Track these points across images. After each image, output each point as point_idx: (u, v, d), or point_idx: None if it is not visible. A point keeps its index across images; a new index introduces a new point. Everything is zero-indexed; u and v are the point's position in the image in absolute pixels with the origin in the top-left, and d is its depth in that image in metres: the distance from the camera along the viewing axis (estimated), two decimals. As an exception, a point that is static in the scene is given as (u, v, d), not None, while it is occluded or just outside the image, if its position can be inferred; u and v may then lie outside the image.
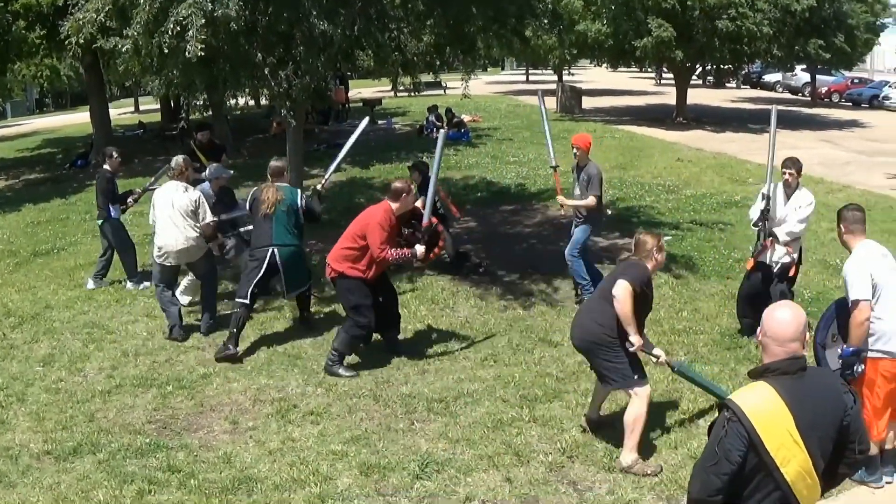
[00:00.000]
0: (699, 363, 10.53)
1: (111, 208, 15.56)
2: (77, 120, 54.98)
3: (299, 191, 13.26)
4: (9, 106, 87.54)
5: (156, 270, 13.28)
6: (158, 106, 51.50)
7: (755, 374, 4.99)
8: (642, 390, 8.75)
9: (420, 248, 11.62)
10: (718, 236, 18.44)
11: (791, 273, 12.22)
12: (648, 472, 8.58)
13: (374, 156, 30.67)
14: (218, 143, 18.93)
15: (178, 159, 13.54)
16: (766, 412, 4.74)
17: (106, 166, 15.94)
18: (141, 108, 66.57)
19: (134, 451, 9.32)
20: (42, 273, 17.25)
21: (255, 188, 13.18)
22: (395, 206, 11.47)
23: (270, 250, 12.34)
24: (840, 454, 5.01)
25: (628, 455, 8.68)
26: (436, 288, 14.59)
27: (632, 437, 8.68)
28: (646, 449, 8.95)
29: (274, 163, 13.13)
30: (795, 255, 12.20)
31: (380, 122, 44.28)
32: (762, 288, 12.11)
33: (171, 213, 12.83)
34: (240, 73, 15.00)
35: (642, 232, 9.34)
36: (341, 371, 11.34)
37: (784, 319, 4.91)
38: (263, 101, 25.69)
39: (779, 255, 12.09)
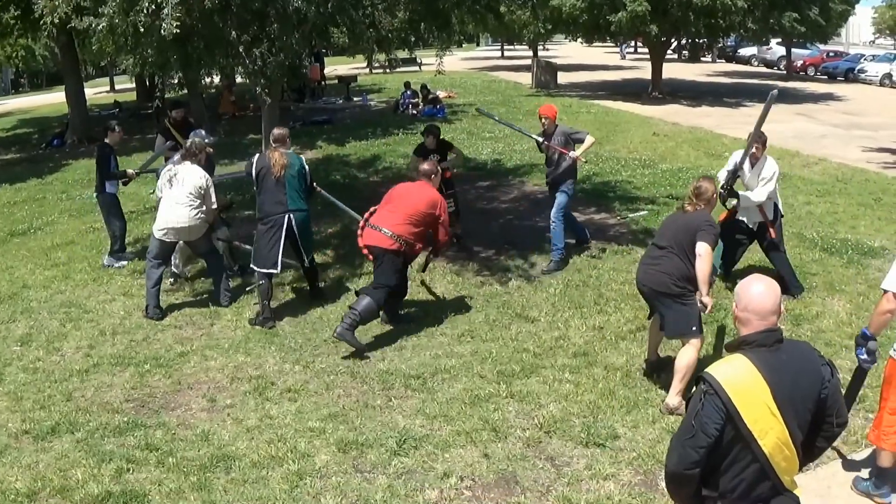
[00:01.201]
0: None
1: (106, 183, 15.63)
2: (53, 100, 54.86)
3: (303, 157, 13.26)
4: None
5: (153, 245, 13.18)
6: (134, 85, 51.48)
7: (732, 347, 5.02)
8: (697, 341, 9.42)
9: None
10: (694, 210, 18.45)
11: (772, 235, 12.79)
12: None
13: (349, 133, 30.64)
14: (192, 122, 18.87)
15: (195, 140, 13.50)
16: (744, 384, 4.77)
17: (106, 140, 15.93)
18: (116, 87, 66.36)
19: (112, 429, 9.31)
20: (19, 253, 17.20)
21: (257, 156, 13.10)
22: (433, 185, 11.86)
23: (287, 216, 12.46)
24: (818, 427, 5.04)
25: (674, 398, 9.30)
26: (413, 264, 14.61)
27: (681, 382, 9.28)
28: (623, 425, 9.04)
29: (277, 130, 13.14)
30: (770, 215, 12.82)
31: (355, 98, 44.32)
32: (729, 240, 13.08)
33: (180, 192, 12.82)
34: (214, 51, 14.98)
35: (702, 178, 10.03)
36: (355, 340, 11.21)
37: (762, 292, 4.94)
38: (238, 80, 25.60)
39: (753, 220, 12.95)
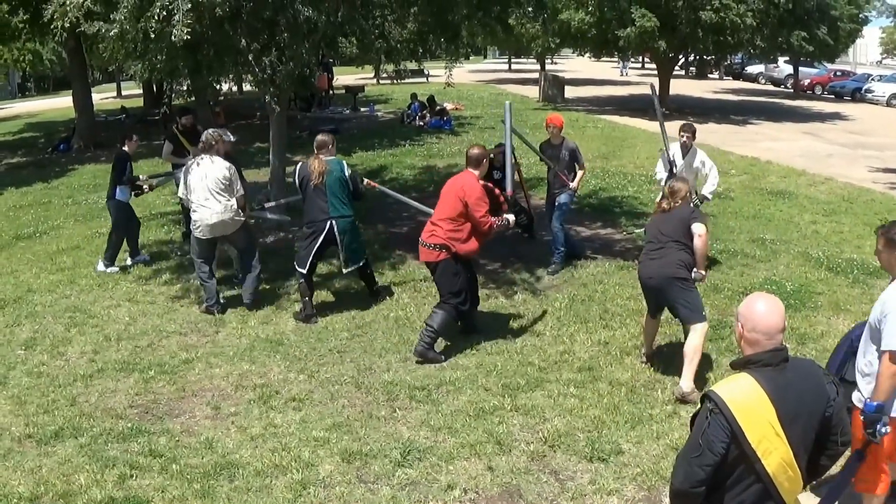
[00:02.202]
0: (680, 353, 10.56)
1: (117, 189, 15.60)
2: (59, 104, 54.84)
3: (345, 163, 13.33)
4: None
5: (194, 244, 13.38)
6: (141, 91, 51.45)
7: (737, 366, 5.00)
8: (702, 326, 10.11)
9: (511, 217, 12.12)
10: (700, 227, 18.47)
11: None
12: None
13: (356, 143, 30.70)
14: (200, 129, 18.86)
15: (209, 132, 13.61)
16: (748, 404, 4.74)
17: (124, 147, 15.91)
18: (123, 92, 66.36)
19: (115, 435, 9.31)
20: (24, 257, 17.20)
21: (300, 164, 13.26)
22: (476, 172, 11.59)
23: (329, 222, 12.63)
24: (822, 446, 5.02)
25: (687, 383, 9.85)
26: (418, 275, 14.59)
27: (690, 367, 9.90)
28: (627, 441, 9.02)
29: (320, 137, 13.26)
30: (694, 200, 13.72)
31: (362, 109, 44.33)
32: None
33: (205, 187, 12.92)
34: (224, 58, 15.02)
35: (675, 180, 11.34)
36: (433, 355, 11.32)
37: (768, 311, 4.90)
38: (247, 88, 25.63)
39: None
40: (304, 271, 12.78)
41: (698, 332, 10.05)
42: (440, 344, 11.71)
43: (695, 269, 10.28)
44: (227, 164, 13.17)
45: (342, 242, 12.79)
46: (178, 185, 14.02)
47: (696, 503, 4.90)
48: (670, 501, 5.18)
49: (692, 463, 4.81)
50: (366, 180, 14.68)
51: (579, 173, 15.36)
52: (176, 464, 8.64)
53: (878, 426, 6.49)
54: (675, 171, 14.64)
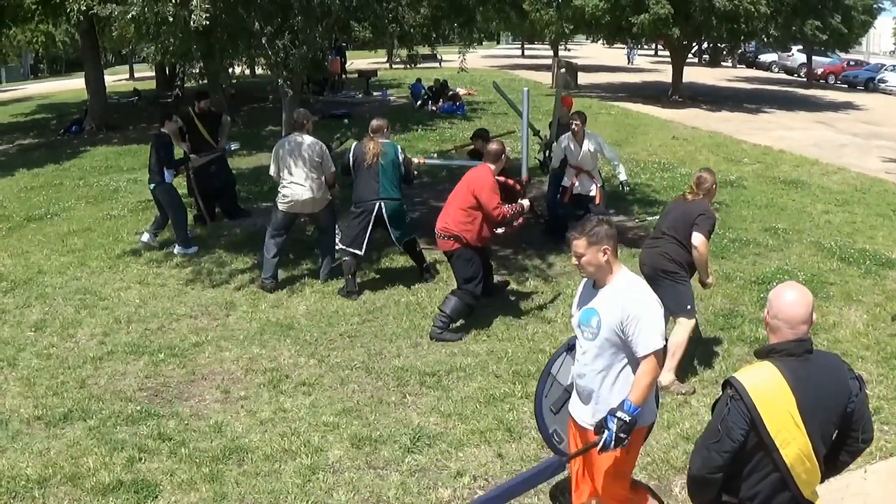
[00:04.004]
0: (692, 343, 10.53)
1: (165, 172, 15.43)
2: (72, 86, 54.81)
3: (399, 147, 13.62)
4: (3, 71, 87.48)
5: (277, 216, 13.62)
6: (153, 73, 51.41)
7: (761, 354, 4.98)
8: (688, 322, 10.04)
9: (526, 202, 12.25)
10: (712, 215, 18.44)
11: (598, 199, 15.67)
12: (683, 391, 9.90)
13: (368, 127, 30.59)
14: (215, 111, 18.81)
15: (298, 111, 13.95)
16: (769, 392, 4.72)
17: (164, 129, 15.69)
18: (136, 75, 66.31)
19: (125, 418, 9.30)
20: (35, 238, 17.17)
21: (355, 144, 13.55)
22: (493, 167, 11.80)
23: (378, 203, 12.89)
24: (842, 441, 5.00)
25: (667, 375, 9.71)
26: (429, 260, 14.58)
27: (672, 360, 9.79)
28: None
29: (375, 121, 13.51)
30: (599, 183, 15.80)
31: (375, 93, 44.33)
32: (575, 211, 15.44)
33: (299, 164, 13.28)
34: (237, 42, 14.98)
35: (703, 169, 10.82)
36: (448, 336, 11.62)
37: (794, 301, 4.88)
38: (259, 71, 25.56)
39: (587, 188, 15.74)
40: (361, 252, 13.10)
41: (682, 326, 10.07)
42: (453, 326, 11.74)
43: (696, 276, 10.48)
44: (318, 141, 13.55)
45: (390, 224, 13.07)
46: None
47: (713, 490, 4.90)
48: (688, 487, 5.17)
49: (711, 449, 4.80)
50: (416, 159, 14.89)
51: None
52: (185, 447, 8.63)
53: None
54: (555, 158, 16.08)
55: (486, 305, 12.49)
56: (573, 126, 15.25)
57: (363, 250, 13.10)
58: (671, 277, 9.99)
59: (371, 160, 12.84)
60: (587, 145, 15.24)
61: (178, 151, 16.19)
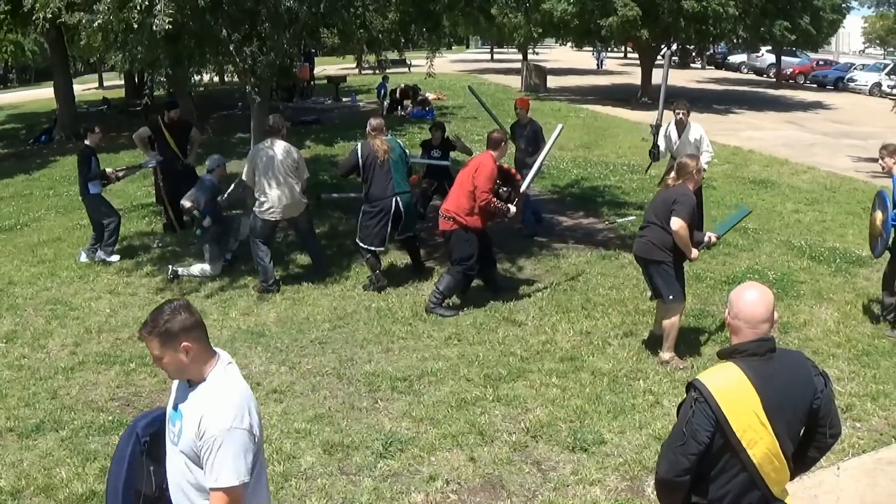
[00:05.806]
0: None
1: (89, 185, 15.46)
2: (41, 95, 54.52)
3: (400, 141, 14.20)
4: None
5: (257, 225, 13.71)
6: (122, 82, 51.24)
7: (724, 355, 4.97)
8: (676, 305, 10.59)
9: (513, 209, 12.81)
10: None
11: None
12: (681, 367, 10.44)
13: (338, 133, 30.59)
14: (185, 121, 18.77)
15: (274, 117, 14.16)
16: (733, 393, 4.71)
17: (87, 141, 15.78)
18: (105, 83, 66.05)
19: (97, 428, 9.26)
20: (4, 249, 17.11)
21: (361, 144, 13.84)
22: (495, 154, 12.52)
23: (395, 199, 13.32)
24: (810, 437, 5.01)
25: (667, 353, 10.63)
26: (399, 265, 14.59)
27: (668, 340, 10.62)
28: (610, 431, 9.02)
29: (374, 120, 13.96)
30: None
31: (344, 99, 44.36)
32: None
33: (276, 170, 13.40)
34: (205, 49, 14.94)
35: (684, 156, 11.55)
36: (443, 312, 12.41)
37: (755, 301, 4.86)
38: (228, 78, 25.48)
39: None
40: (382, 248, 13.82)
41: (672, 309, 10.57)
42: (429, 337, 11.74)
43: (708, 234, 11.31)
44: (294, 148, 13.81)
45: (405, 216, 13.48)
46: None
47: (682, 493, 4.89)
48: (656, 491, 5.17)
49: (677, 452, 4.78)
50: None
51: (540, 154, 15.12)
52: (157, 456, 8.61)
53: None
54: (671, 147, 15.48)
55: (457, 310, 12.53)
56: (679, 115, 15.27)
57: (385, 245, 13.75)
58: (660, 265, 10.52)
59: (384, 157, 13.22)
60: (690, 134, 15.23)
61: (133, 159, 16.17)
